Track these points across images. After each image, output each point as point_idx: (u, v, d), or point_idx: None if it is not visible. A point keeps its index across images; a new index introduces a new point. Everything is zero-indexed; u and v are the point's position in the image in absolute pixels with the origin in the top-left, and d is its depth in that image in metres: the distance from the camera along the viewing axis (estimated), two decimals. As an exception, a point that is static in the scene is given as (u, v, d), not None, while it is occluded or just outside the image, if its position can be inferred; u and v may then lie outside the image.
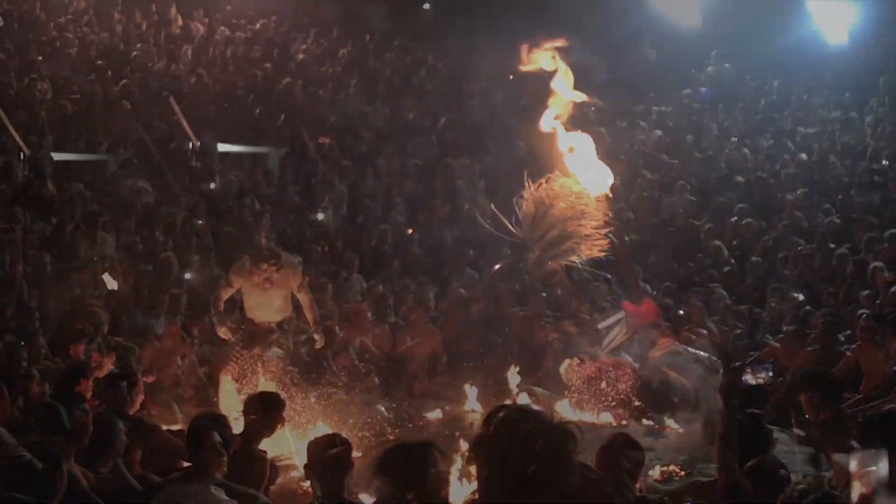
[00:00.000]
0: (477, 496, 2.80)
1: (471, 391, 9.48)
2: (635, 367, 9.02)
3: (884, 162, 12.86)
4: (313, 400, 8.21)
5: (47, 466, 4.23)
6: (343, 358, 10.10)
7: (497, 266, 11.80)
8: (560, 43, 9.24)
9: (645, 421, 8.80)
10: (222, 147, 15.05)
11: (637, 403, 9.16)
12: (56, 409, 5.26)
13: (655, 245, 12.65)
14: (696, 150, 15.19)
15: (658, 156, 15.15)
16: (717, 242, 12.05)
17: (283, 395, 6.53)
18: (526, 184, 9.31)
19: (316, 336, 8.63)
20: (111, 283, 10.24)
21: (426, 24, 20.30)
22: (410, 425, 8.99)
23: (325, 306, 11.20)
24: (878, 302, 9.51)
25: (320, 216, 13.60)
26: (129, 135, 14.43)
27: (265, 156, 15.69)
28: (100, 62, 16.56)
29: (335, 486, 4.06)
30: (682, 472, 7.36)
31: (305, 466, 4.18)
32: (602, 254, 9.16)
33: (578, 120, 9.65)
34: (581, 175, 9.18)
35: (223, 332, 8.33)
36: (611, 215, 9.25)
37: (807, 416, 4.87)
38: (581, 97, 9.32)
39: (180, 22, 18.79)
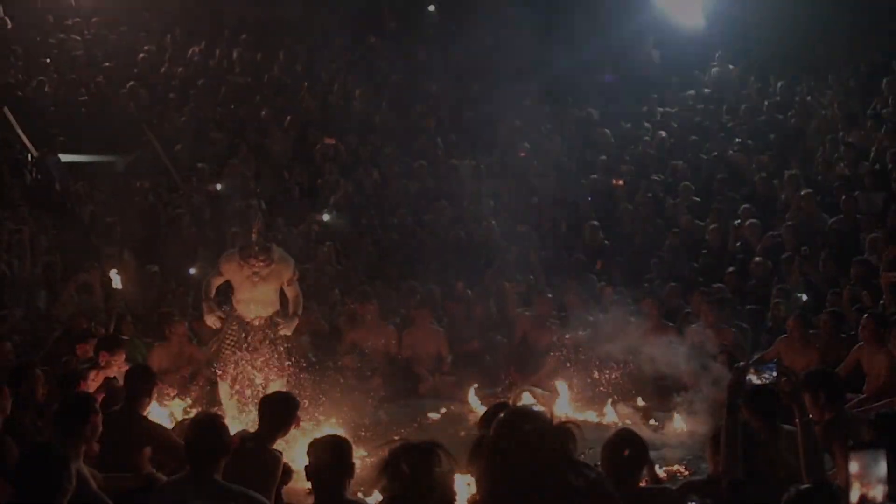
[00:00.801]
0: (478, 497, 2.83)
1: (475, 391, 9.53)
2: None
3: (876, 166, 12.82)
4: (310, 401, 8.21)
5: (56, 466, 4.22)
6: (349, 359, 10.15)
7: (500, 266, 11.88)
8: None
9: (651, 421, 8.84)
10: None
11: (643, 403, 9.24)
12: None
13: (660, 245, 12.68)
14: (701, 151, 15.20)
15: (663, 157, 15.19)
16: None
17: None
18: None
19: (283, 324, 8.24)
20: (117, 283, 10.28)
21: (432, 26, 20.31)
22: (415, 425, 9.04)
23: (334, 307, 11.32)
24: (881, 302, 9.52)
25: (326, 217, 13.68)
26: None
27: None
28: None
29: (337, 487, 4.07)
30: (686, 472, 7.40)
31: (307, 467, 4.17)
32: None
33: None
34: None
35: (211, 321, 8.32)
36: None
37: (810, 415, 4.87)
38: None
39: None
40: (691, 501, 4.74)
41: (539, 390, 9.34)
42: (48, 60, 16.64)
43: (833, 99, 15.44)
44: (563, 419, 3.05)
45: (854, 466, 2.64)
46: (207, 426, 4.62)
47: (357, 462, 4.28)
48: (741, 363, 5.11)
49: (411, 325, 10.80)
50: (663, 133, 15.92)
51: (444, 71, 17.93)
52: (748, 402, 5.16)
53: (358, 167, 15.18)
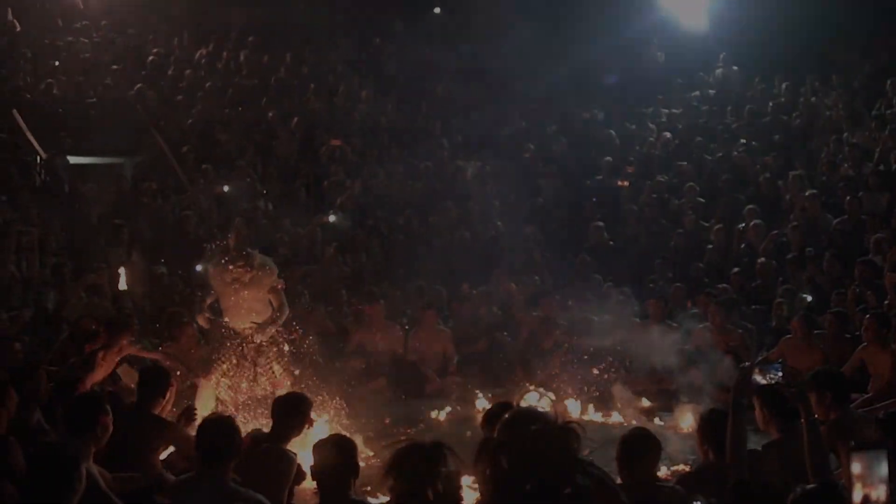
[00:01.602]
0: (483, 497, 2.85)
1: (481, 391, 9.55)
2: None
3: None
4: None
5: (66, 467, 4.24)
6: (356, 360, 10.17)
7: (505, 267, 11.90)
8: None
9: (657, 420, 8.86)
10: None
11: (648, 404, 9.25)
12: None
13: (665, 246, 12.71)
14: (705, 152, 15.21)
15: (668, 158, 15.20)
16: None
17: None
18: None
19: (257, 328, 7.95)
20: (122, 283, 10.30)
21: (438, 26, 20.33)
22: (422, 425, 9.06)
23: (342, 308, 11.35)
24: (885, 302, 9.53)
25: (332, 218, 13.72)
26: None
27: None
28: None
29: (342, 487, 4.09)
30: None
31: (312, 467, 4.18)
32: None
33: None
34: None
35: (202, 320, 8.27)
36: None
37: (816, 415, 4.89)
38: None
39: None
40: (696, 501, 4.76)
41: (543, 391, 9.35)
42: (57, 63, 16.70)
43: (837, 100, 15.44)
44: (568, 419, 3.06)
45: (856, 467, 2.65)
46: (218, 427, 4.60)
47: (363, 462, 4.28)
48: (746, 363, 5.12)
49: (418, 325, 10.84)
50: (668, 134, 15.95)
51: (450, 72, 17.97)
52: (766, 401, 5.17)
53: (364, 168, 15.23)
